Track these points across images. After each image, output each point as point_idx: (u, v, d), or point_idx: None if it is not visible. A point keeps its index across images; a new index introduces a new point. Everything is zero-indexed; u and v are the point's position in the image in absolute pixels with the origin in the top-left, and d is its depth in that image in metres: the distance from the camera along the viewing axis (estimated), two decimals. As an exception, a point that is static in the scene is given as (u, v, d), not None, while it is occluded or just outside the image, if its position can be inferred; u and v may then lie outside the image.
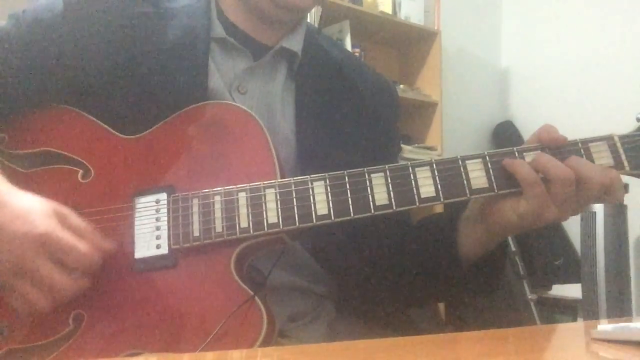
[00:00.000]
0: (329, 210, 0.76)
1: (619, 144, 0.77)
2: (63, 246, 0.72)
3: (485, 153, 0.78)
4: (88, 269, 0.74)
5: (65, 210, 0.76)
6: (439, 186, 0.77)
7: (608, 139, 0.78)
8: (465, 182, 0.77)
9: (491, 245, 0.85)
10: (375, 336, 0.86)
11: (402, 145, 2.95)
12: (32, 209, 0.74)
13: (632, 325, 0.60)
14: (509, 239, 3.05)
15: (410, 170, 0.77)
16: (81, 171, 0.83)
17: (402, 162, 0.79)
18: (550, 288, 3.15)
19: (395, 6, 3.08)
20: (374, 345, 0.64)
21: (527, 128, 3.47)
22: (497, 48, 3.76)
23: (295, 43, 0.97)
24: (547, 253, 3.14)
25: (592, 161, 0.77)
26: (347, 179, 0.77)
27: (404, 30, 3.17)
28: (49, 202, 0.76)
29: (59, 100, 0.88)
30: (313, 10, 2.61)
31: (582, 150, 0.77)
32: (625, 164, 0.77)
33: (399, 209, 0.76)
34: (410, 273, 0.93)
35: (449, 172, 0.77)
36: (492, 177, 0.77)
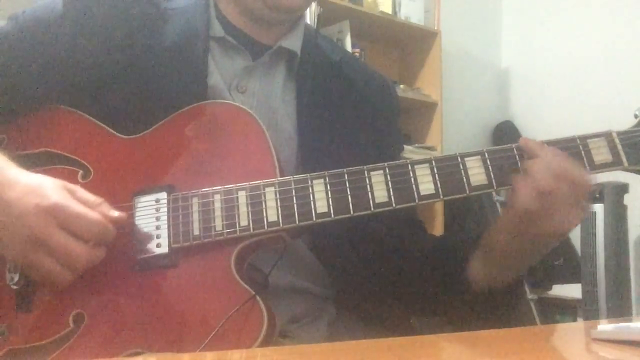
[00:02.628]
0: (329, 208, 0.76)
1: (617, 140, 0.77)
2: (75, 215, 0.73)
3: (484, 150, 0.78)
4: (102, 237, 0.75)
5: (73, 186, 0.77)
6: (439, 183, 0.77)
7: (606, 135, 0.78)
8: (464, 179, 0.77)
9: (506, 275, 0.84)
10: (375, 336, 0.86)
11: (403, 145, 2.95)
12: (42, 184, 0.75)
13: (632, 325, 0.60)
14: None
15: (410, 168, 0.77)
16: (81, 171, 0.83)
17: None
18: (550, 288, 3.14)
19: (395, 6, 3.08)
20: (374, 345, 0.64)
21: (527, 128, 3.47)
22: (497, 48, 3.76)
23: (293, 43, 0.97)
24: (547, 253, 3.13)
25: (591, 158, 0.77)
26: (346, 177, 0.77)
27: (404, 30, 3.17)
28: (55, 179, 0.77)
29: (58, 101, 0.88)
30: (313, 10, 2.62)
31: (580, 146, 0.77)
32: (624, 160, 0.77)
33: (398, 207, 0.76)
34: (412, 279, 0.92)
35: (448, 169, 0.77)
36: (491, 174, 0.77)
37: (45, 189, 0.74)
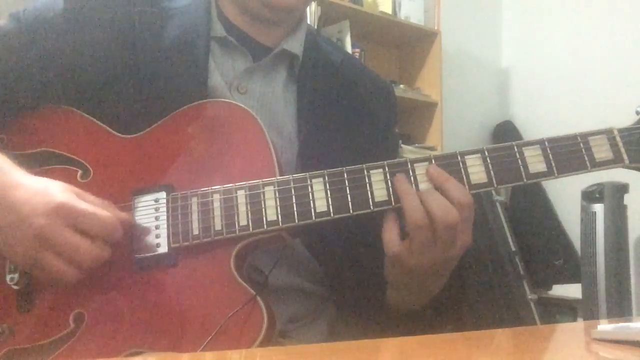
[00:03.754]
0: (328, 207, 0.76)
1: (618, 137, 0.77)
2: (83, 213, 0.73)
3: (484, 148, 0.77)
4: (109, 236, 0.75)
5: (79, 190, 0.77)
6: None
7: (607, 133, 0.77)
8: (464, 177, 0.76)
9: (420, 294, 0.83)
10: (375, 336, 0.86)
11: (403, 146, 2.95)
12: (49, 185, 0.75)
13: (632, 325, 0.60)
14: (509, 239, 3.06)
15: (409, 166, 0.77)
16: (80, 171, 0.83)
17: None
18: (550, 288, 3.14)
19: (395, 6, 3.08)
20: (373, 345, 0.64)
21: (527, 128, 3.47)
22: (497, 48, 3.75)
23: (295, 45, 0.97)
24: (547, 253, 3.14)
25: (592, 156, 0.76)
26: (346, 176, 0.77)
27: (404, 30, 3.17)
28: (61, 182, 0.77)
29: (58, 99, 0.88)
30: (313, 10, 2.62)
31: (581, 143, 0.77)
32: (625, 157, 0.76)
33: (398, 205, 0.76)
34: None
35: (448, 168, 0.77)
36: (492, 172, 0.76)
37: (52, 189, 0.75)
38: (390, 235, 0.75)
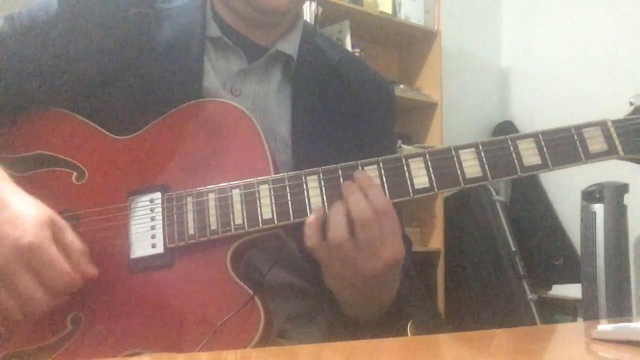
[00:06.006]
0: (323, 204, 0.76)
1: (612, 129, 0.76)
2: (48, 261, 0.71)
3: (479, 142, 0.77)
4: (67, 289, 0.73)
5: (62, 224, 0.75)
6: (433, 176, 0.76)
7: (601, 124, 0.77)
8: (459, 171, 0.76)
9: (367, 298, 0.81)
10: (374, 336, 0.86)
11: (403, 146, 2.95)
12: (28, 216, 0.73)
13: (632, 325, 0.60)
14: (509, 238, 3.06)
15: (404, 162, 0.77)
16: (75, 173, 0.83)
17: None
18: (550, 288, 3.15)
19: (395, 6, 3.08)
20: (372, 345, 0.64)
21: (527, 128, 3.46)
22: (497, 48, 3.76)
23: (290, 45, 0.96)
24: (547, 253, 3.14)
25: (586, 148, 0.76)
26: (340, 173, 0.77)
27: (404, 30, 3.17)
28: (48, 210, 0.75)
29: (53, 101, 0.88)
30: (313, 10, 2.62)
31: (575, 136, 0.76)
32: (619, 149, 0.76)
33: (393, 201, 0.75)
34: None
35: (443, 162, 0.76)
36: (486, 166, 0.76)
37: (29, 222, 0.72)
38: (311, 229, 0.74)
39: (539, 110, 3.41)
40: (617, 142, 0.76)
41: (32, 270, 0.71)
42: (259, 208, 0.76)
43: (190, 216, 0.77)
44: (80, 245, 0.75)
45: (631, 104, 0.78)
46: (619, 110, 0.80)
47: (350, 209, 0.73)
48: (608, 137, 0.76)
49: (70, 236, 0.75)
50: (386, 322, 0.83)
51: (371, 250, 0.73)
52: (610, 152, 0.76)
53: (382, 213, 0.73)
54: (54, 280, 0.72)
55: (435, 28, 3.22)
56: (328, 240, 0.73)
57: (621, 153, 0.76)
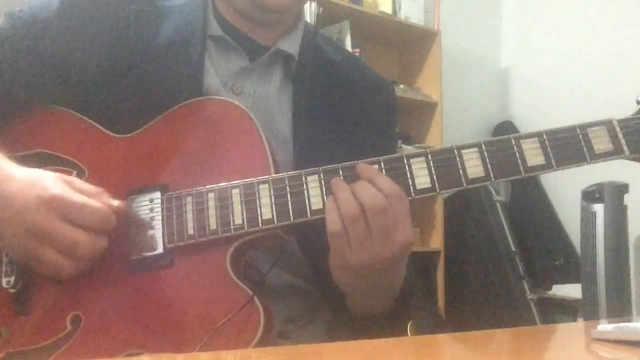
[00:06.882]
0: (324, 204, 0.75)
1: (617, 128, 0.75)
2: (78, 205, 0.73)
3: (482, 142, 0.76)
4: (103, 225, 0.74)
5: (70, 177, 0.77)
6: (435, 176, 0.75)
7: (607, 124, 0.76)
8: (461, 171, 0.75)
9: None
10: (375, 336, 0.86)
11: (403, 146, 2.95)
12: (40, 177, 0.75)
13: (632, 325, 0.60)
14: (509, 238, 3.06)
15: (405, 161, 0.76)
16: (75, 172, 0.83)
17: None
18: (550, 288, 3.14)
19: (395, 6, 3.08)
20: (372, 345, 0.64)
21: (527, 128, 3.45)
22: (497, 48, 3.76)
23: (291, 45, 0.96)
24: (547, 253, 3.14)
25: (592, 147, 0.75)
26: (341, 173, 0.76)
27: (404, 30, 3.17)
28: (50, 172, 0.77)
29: (54, 99, 0.88)
30: (313, 10, 2.62)
31: (580, 135, 0.75)
32: (625, 148, 0.75)
33: None
34: None
35: (445, 162, 0.75)
36: (489, 166, 0.75)
37: (44, 181, 0.74)
38: (332, 215, 0.73)
39: (539, 110, 3.41)
40: (622, 141, 0.75)
41: (66, 219, 0.72)
42: (258, 208, 0.76)
43: (189, 216, 0.77)
44: (96, 188, 0.77)
45: (638, 102, 0.77)
46: (619, 110, 0.80)
47: (361, 197, 0.72)
48: (614, 137, 0.75)
49: (83, 183, 0.77)
50: (392, 315, 0.83)
51: (386, 235, 0.72)
52: (615, 152, 0.75)
53: (394, 197, 0.73)
54: (91, 220, 0.73)
55: (435, 28, 3.22)
56: (346, 233, 0.72)
57: (627, 152, 0.75)
